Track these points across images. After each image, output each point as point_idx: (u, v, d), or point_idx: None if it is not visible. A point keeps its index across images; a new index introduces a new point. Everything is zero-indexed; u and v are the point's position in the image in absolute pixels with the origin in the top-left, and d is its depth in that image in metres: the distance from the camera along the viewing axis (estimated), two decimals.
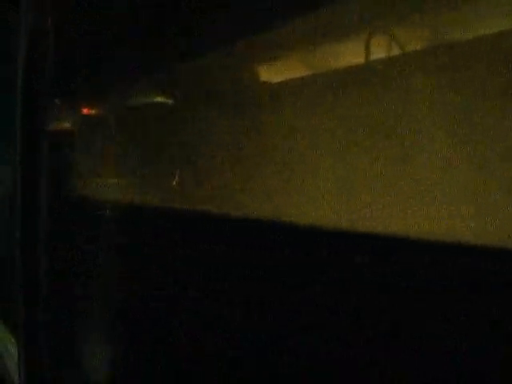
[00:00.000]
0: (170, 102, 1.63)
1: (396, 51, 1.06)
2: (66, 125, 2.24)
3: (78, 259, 2.06)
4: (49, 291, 2.24)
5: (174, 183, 1.52)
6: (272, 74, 1.23)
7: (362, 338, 0.81)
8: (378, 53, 1.05)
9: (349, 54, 1.09)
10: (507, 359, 0.63)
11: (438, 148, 0.82)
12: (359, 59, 1.08)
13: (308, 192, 1.05)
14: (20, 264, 2.32)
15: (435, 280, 0.71)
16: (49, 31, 2.11)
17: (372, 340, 0.79)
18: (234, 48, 1.26)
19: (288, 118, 1.13)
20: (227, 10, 1.19)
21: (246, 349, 1.06)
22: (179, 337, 1.38)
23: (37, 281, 2.24)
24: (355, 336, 0.82)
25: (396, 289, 0.76)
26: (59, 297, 2.22)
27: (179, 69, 1.51)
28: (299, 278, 0.93)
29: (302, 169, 1.08)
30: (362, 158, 0.95)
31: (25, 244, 2.31)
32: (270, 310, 1.00)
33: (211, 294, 1.23)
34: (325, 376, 0.88)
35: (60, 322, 2.22)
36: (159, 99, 1.71)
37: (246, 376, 1.06)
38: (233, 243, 1.15)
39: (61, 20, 2.08)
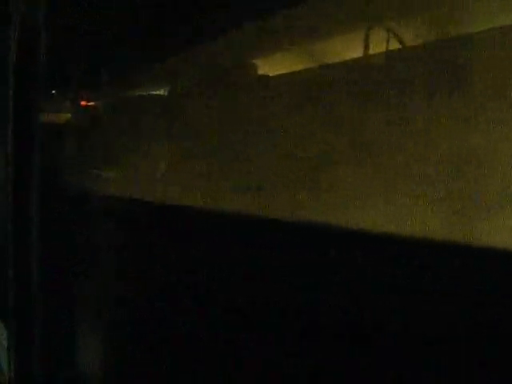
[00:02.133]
0: (166, 95, 1.63)
1: (395, 46, 1.06)
2: (60, 119, 2.23)
3: (71, 254, 2.05)
4: (41, 288, 2.22)
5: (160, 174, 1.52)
6: (270, 67, 1.23)
7: (369, 341, 0.81)
8: (377, 48, 1.05)
9: (348, 49, 1.09)
10: None
11: (441, 147, 0.81)
12: (358, 54, 1.08)
13: (309, 189, 1.04)
14: (12, 259, 2.31)
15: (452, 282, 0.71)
16: (41, 23, 2.09)
17: (378, 342, 0.79)
18: (232, 41, 1.26)
19: (286, 113, 1.13)
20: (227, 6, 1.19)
21: (250, 349, 1.06)
22: (175, 335, 1.37)
23: (29, 277, 2.23)
24: (361, 338, 0.82)
25: (405, 290, 0.76)
26: (51, 293, 2.21)
27: (176, 62, 1.50)
28: (305, 279, 0.92)
29: (300, 164, 1.07)
30: (363, 155, 0.95)
31: (17, 239, 2.30)
32: (274, 310, 1.00)
33: (212, 293, 1.22)
34: (329, 377, 0.88)
35: (52, 319, 2.21)
36: (155, 93, 1.71)
37: (250, 377, 1.05)
38: (235, 241, 1.15)
39: (54, 11, 2.06)
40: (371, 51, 1.02)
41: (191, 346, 1.30)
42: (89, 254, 1.93)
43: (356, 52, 1.05)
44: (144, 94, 1.73)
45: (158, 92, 1.68)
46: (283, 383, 0.97)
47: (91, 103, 2.05)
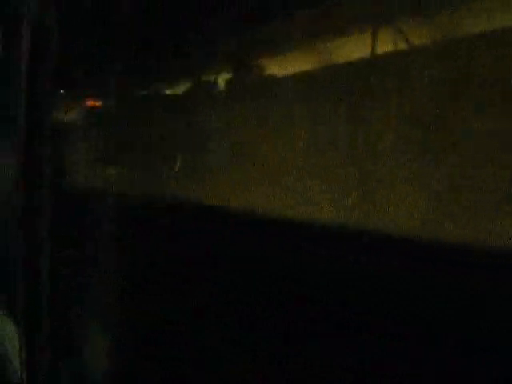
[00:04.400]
0: (171, 95, 1.63)
1: (401, 46, 1.05)
2: (68, 116, 2.24)
3: (81, 254, 2.06)
4: (51, 283, 2.24)
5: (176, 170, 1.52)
6: (276, 68, 1.22)
7: (366, 339, 0.80)
8: (383, 48, 1.04)
9: (353, 49, 1.08)
10: None
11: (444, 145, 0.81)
12: (364, 54, 1.07)
13: (310, 189, 1.04)
14: (22, 257, 2.33)
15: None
16: (52, 23, 2.11)
17: (374, 342, 0.79)
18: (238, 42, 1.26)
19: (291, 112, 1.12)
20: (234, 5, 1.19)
21: (249, 349, 1.06)
22: (181, 335, 1.37)
23: (38, 273, 2.24)
24: (359, 337, 0.81)
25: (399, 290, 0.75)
26: (61, 289, 2.22)
27: (181, 63, 1.50)
28: (306, 278, 0.92)
29: (304, 165, 1.07)
30: (362, 154, 0.94)
31: (27, 239, 2.32)
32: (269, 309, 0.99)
33: (211, 290, 1.22)
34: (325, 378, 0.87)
35: (62, 318, 2.22)
36: (161, 92, 1.71)
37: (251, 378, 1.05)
38: (234, 239, 1.14)
39: (64, 12, 2.08)
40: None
41: (196, 344, 1.30)
42: (98, 252, 1.94)
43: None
44: (150, 93, 1.74)
45: (163, 91, 1.68)
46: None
47: (100, 101, 2.06)
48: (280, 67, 1.19)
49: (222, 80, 1.32)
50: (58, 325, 2.23)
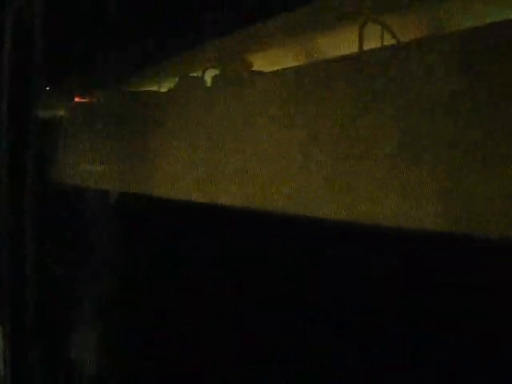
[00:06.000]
0: (159, 92, 1.63)
1: (389, 41, 1.06)
2: (54, 112, 2.22)
3: (66, 248, 2.04)
4: (36, 283, 2.22)
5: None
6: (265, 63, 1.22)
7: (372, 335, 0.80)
8: (372, 42, 1.05)
9: (342, 44, 1.08)
10: None
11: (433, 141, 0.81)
12: (352, 49, 1.08)
13: (301, 183, 1.04)
14: (7, 256, 2.31)
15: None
16: (36, 14, 2.08)
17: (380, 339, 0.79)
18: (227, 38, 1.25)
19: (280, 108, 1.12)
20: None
21: (252, 349, 1.05)
22: (177, 335, 1.37)
23: (23, 275, 2.23)
24: (364, 334, 0.81)
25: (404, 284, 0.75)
26: (47, 289, 2.20)
27: (170, 60, 1.50)
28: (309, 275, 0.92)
29: (296, 160, 1.07)
30: (353, 149, 0.94)
31: (11, 234, 2.30)
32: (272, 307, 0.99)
33: (206, 286, 1.22)
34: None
35: (47, 318, 2.20)
36: (149, 89, 1.70)
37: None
38: (229, 234, 1.14)
39: (49, 6, 2.05)
40: None
41: (191, 343, 1.29)
42: (84, 250, 1.92)
43: None
44: (137, 90, 1.73)
45: (151, 88, 1.67)
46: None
47: (85, 99, 2.04)
48: None
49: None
50: (42, 324, 2.22)
